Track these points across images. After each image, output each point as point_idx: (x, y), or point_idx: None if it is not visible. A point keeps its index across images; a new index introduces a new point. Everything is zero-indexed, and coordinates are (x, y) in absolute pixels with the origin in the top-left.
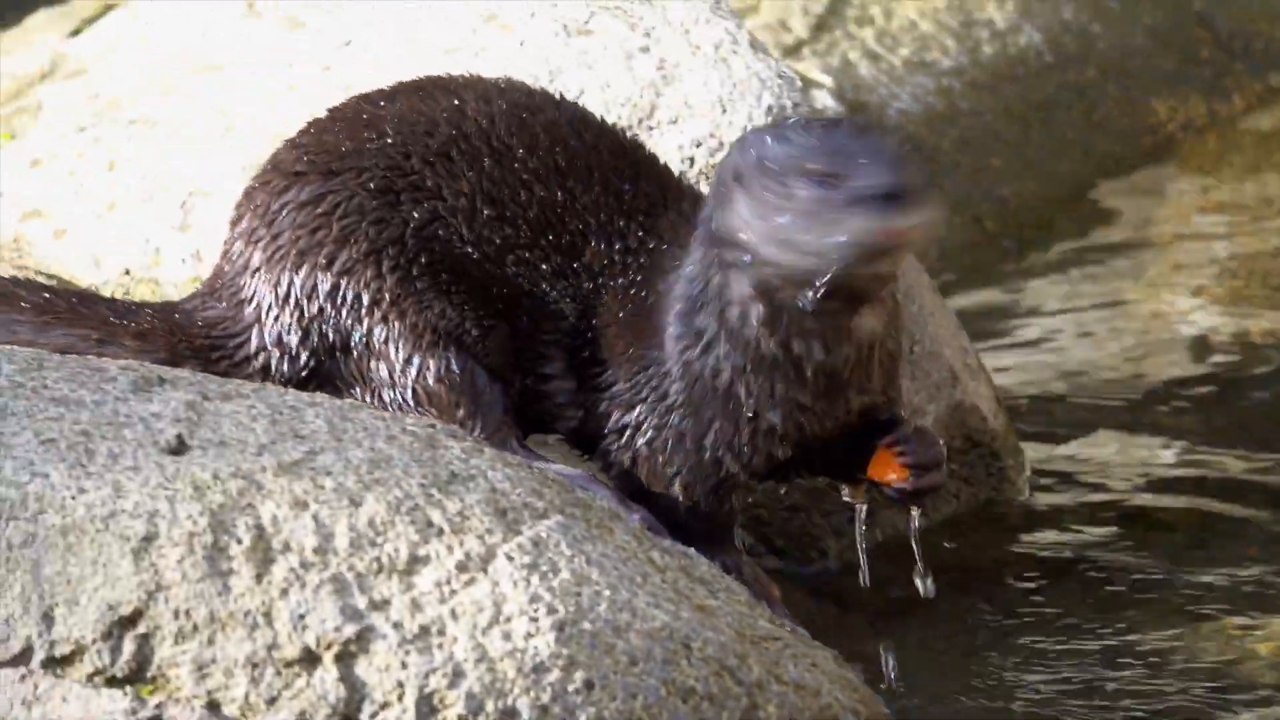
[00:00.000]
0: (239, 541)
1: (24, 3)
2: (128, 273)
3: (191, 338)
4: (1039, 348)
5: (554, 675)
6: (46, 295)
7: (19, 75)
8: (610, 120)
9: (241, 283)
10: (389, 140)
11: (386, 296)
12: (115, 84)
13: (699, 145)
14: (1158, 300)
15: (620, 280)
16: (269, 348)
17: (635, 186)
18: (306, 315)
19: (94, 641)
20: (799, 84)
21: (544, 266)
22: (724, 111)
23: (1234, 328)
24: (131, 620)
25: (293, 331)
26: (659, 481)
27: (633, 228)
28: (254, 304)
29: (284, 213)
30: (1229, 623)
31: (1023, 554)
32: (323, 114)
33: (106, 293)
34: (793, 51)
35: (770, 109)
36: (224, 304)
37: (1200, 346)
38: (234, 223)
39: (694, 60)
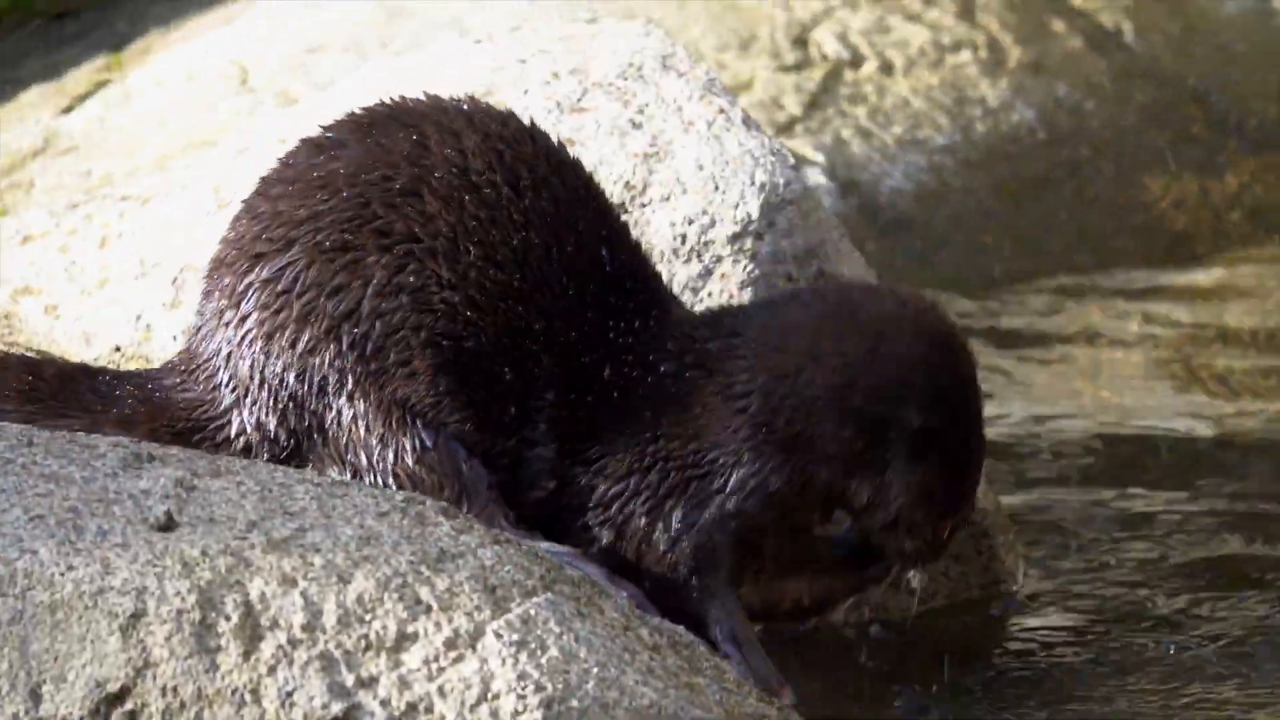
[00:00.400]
0: (227, 618)
1: (17, 80)
2: (118, 349)
3: (173, 420)
4: (1026, 427)
5: None
6: (30, 378)
7: (12, 151)
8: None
9: (215, 365)
10: (343, 195)
11: (350, 376)
12: (108, 160)
13: (691, 223)
14: (1148, 383)
15: (617, 361)
16: (249, 431)
17: (615, 255)
18: (280, 399)
19: (81, 719)
20: (792, 161)
21: (536, 326)
22: (717, 188)
23: (1222, 415)
24: (119, 697)
25: (270, 415)
26: (652, 552)
27: (622, 304)
28: (231, 388)
29: (249, 294)
30: (1222, 698)
31: (1015, 637)
32: (274, 167)
33: None
34: (786, 129)
35: (763, 186)
36: (200, 387)
37: (1186, 433)
38: (205, 296)
39: (687, 137)
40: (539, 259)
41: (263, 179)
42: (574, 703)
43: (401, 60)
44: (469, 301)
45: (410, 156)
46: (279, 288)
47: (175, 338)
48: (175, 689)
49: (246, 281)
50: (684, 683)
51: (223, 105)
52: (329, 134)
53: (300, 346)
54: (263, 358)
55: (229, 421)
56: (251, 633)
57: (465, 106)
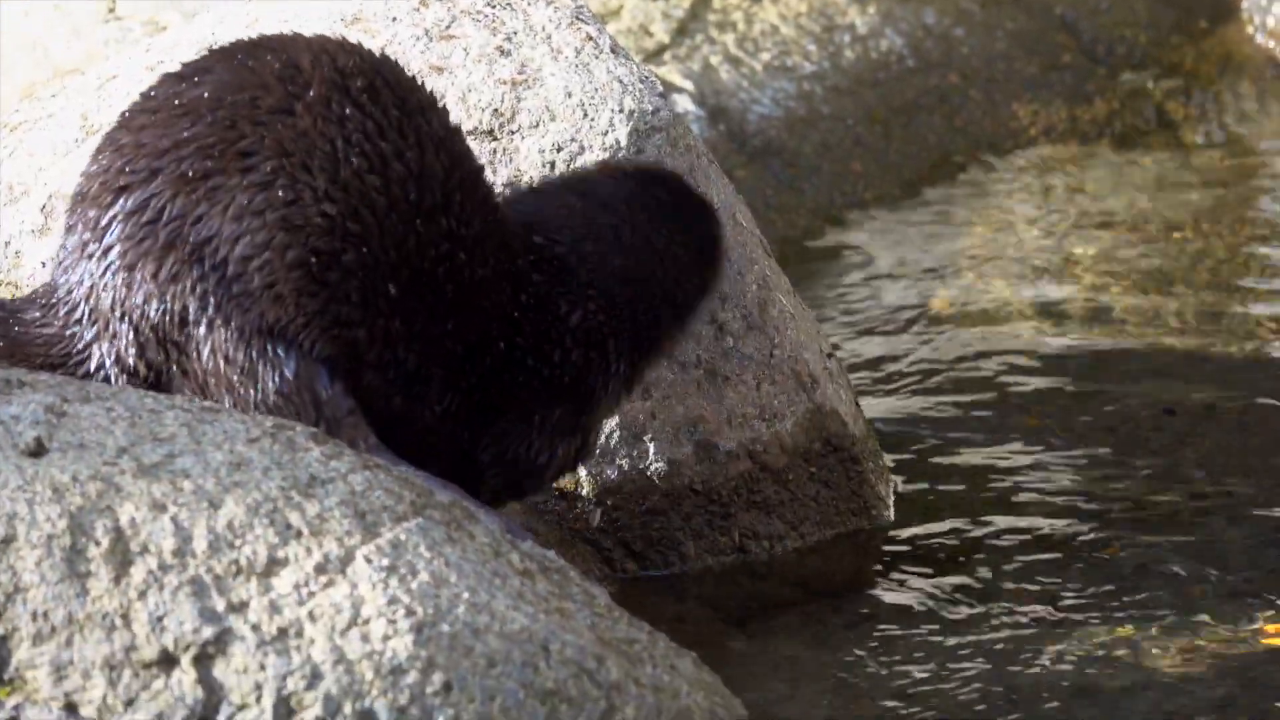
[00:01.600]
0: (97, 544)
1: None
2: None
3: (31, 356)
4: (899, 351)
5: (412, 677)
6: None
7: None
8: (472, 125)
9: (76, 299)
10: (208, 120)
11: (211, 301)
12: None
13: (560, 150)
14: (1016, 303)
15: (516, 306)
16: (108, 366)
17: (492, 192)
18: (141, 332)
19: None
20: (660, 88)
21: (440, 249)
22: (585, 115)
23: (1091, 330)
24: None
25: (130, 348)
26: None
27: (513, 241)
28: (91, 321)
29: (113, 225)
30: (1087, 629)
31: (885, 561)
32: (137, 100)
33: None
34: (654, 56)
35: (632, 113)
36: (60, 322)
37: (1058, 351)
38: (67, 230)
39: (555, 65)
40: (439, 180)
41: (124, 111)
42: (444, 627)
43: None
44: (352, 213)
45: (282, 76)
46: (143, 219)
47: (44, 264)
48: (46, 614)
49: (110, 214)
50: (554, 608)
51: (91, 33)
52: (192, 64)
53: (162, 275)
54: (124, 289)
55: (88, 356)
56: (122, 558)
57: (341, 41)
